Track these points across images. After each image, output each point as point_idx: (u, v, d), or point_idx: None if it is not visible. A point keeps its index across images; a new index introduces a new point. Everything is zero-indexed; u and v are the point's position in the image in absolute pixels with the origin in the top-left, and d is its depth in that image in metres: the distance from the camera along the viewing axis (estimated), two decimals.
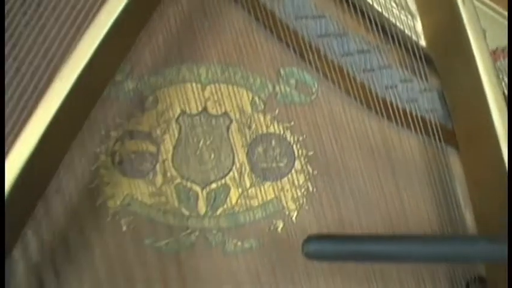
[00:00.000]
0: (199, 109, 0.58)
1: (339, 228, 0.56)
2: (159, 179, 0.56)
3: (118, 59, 0.55)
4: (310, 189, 0.57)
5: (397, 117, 0.58)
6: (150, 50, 0.58)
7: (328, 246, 0.43)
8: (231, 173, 0.57)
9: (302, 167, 0.58)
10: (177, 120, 0.57)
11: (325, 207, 0.57)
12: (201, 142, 0.57)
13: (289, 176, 0.58)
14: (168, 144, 0.57)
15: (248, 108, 0.58)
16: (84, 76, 0.48)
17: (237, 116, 0.58)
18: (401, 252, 0.44)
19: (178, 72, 0.58)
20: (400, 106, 0.59)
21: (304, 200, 0.57)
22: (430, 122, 0.59)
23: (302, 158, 0.58)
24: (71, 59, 0.48)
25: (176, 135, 0.57)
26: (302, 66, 0.59)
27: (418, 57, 0.59)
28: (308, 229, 0.56)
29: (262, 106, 0.59)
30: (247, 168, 0.57)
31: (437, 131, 0.58)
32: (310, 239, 0.44)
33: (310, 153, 0.58)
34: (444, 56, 0.59)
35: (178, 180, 0.56)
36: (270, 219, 0.57)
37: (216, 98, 0.58)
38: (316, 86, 0.59)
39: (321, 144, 0.58)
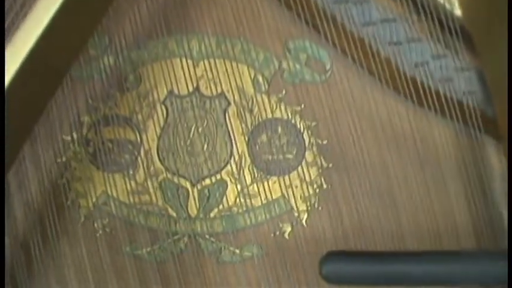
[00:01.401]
0: (191, 89, 0.55)
1: (357, 233, 0.54)
2: (141, 173, 0.55)
3: (88, 29, 0.51)
4: (324, 185, 0.55)
5: (429, 100, 0.55)
6: (131, 19, 0.55)
7: (354, 268, 0.37)
8: (228, 167, 0.55)
9: (314, 158, 0.55)
10: (163, 102, 0.55)
11: (342, 208, 0.54)
12: (193, 129, 0.55)
13: (299, 169, 0.55)
14: (152, 132, 0.55)
15: (249, 89, 0.56)
16: (41, 47, 0.44)
17: (236, 97, 0.56)
18: (444, 274, 0.39)
19: (165, 46, 0.56)
20: (432, 87, 0.55)
21: (317, 198, 0.55)
22: (468, 107, 0.56)
23: (314, 148, 0.56)
24: (24, 26, 0.43)
25: (162, 120, 0.55)
26: (314, 38, 0.56)
27: (453, 29, 0.56)
28: (321, 234, 0.54)
29: (267, 86, 0.56)
30: (248, 160, 0.55)
31: (476, 118, 0.55)
32: (330, 257, 0.39)
33: (324, 142, 0.56)
34: (484, 28, 0.55)
35: (165, 175, 0.55)
36: (275, 222, 0.55)
37: (210, 76, 0.56)
38: (331, 62, 0.56)
39: (337, 132, 0.55)
